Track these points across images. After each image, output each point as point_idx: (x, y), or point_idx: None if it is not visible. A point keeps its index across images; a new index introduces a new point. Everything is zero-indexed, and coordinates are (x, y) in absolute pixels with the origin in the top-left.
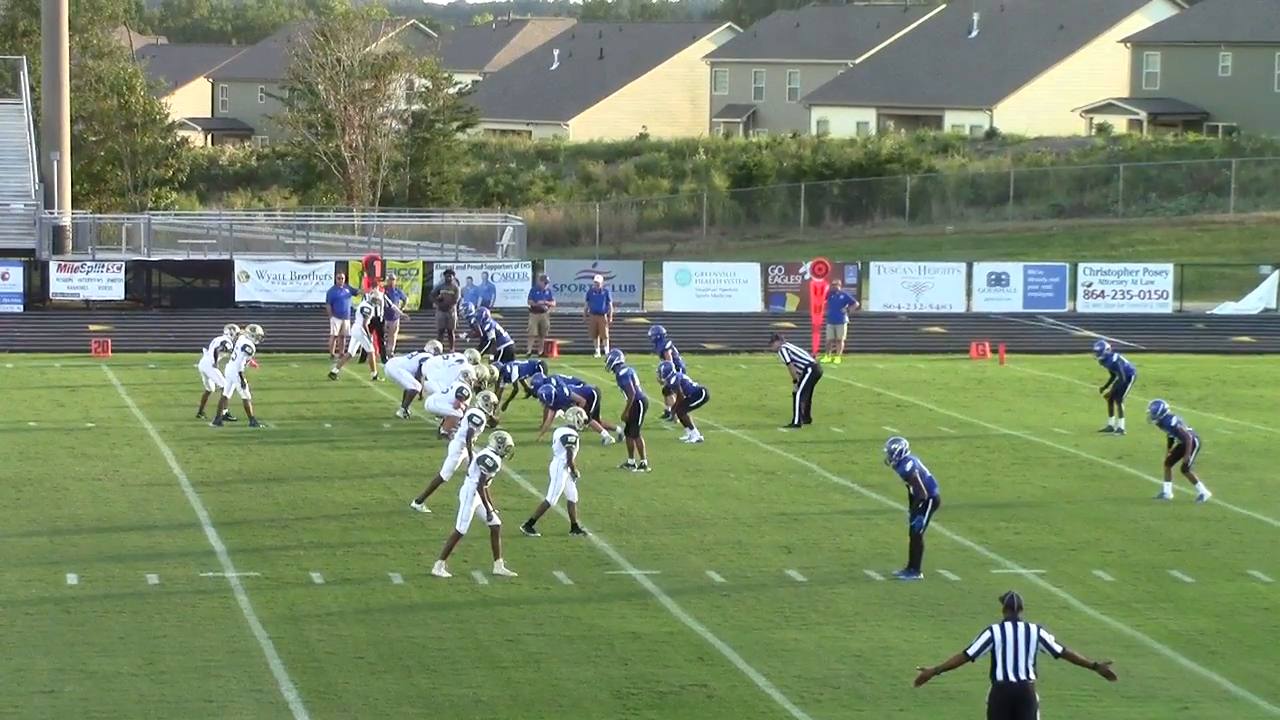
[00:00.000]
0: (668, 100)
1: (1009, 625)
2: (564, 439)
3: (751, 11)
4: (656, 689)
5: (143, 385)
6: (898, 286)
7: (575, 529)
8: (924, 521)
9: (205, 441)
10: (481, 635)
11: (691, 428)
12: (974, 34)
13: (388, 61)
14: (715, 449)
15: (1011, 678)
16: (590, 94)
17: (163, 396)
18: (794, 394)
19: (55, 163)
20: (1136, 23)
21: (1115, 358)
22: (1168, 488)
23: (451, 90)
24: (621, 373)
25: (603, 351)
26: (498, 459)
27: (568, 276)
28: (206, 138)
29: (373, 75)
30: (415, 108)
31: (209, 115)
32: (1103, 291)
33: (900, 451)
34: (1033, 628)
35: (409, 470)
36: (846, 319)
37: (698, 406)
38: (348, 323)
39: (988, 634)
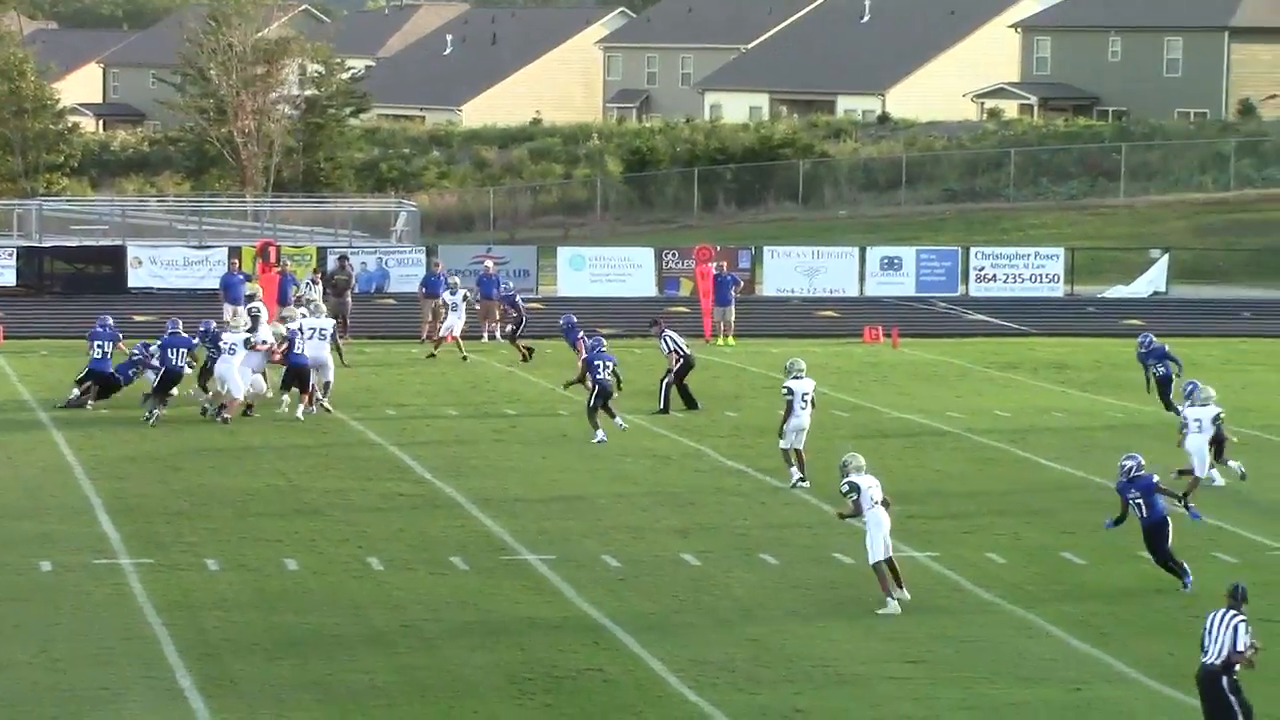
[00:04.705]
0: (561, 85)
1: (1218, 613)
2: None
3: None
4: (552, 674)
5: (35, 373)
6: (791, 271)
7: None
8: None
9: (98, 428)
10: (377, 621)
11: (613, 417)
12: (866, 19)
13: (280, 46)
14: (610, 434)
15: (1206, 661)
16: (483, 79)
17: (55, 383)
18: (662, 380)
19: None
20: (1026, 8)
21: (1163, 349)
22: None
23: (344, 75)
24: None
25: (491, 336)
26: (852, 480)
27: (462, 262)
28: (98, 123)
29: (265, 60)
30: (308, 93)
31: (100, 101)
32: (994, 275)
33: (1132, 469)
34: (1234, 620)
35: (303, 455)
36: (733, 300)
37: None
38: (241, 308)
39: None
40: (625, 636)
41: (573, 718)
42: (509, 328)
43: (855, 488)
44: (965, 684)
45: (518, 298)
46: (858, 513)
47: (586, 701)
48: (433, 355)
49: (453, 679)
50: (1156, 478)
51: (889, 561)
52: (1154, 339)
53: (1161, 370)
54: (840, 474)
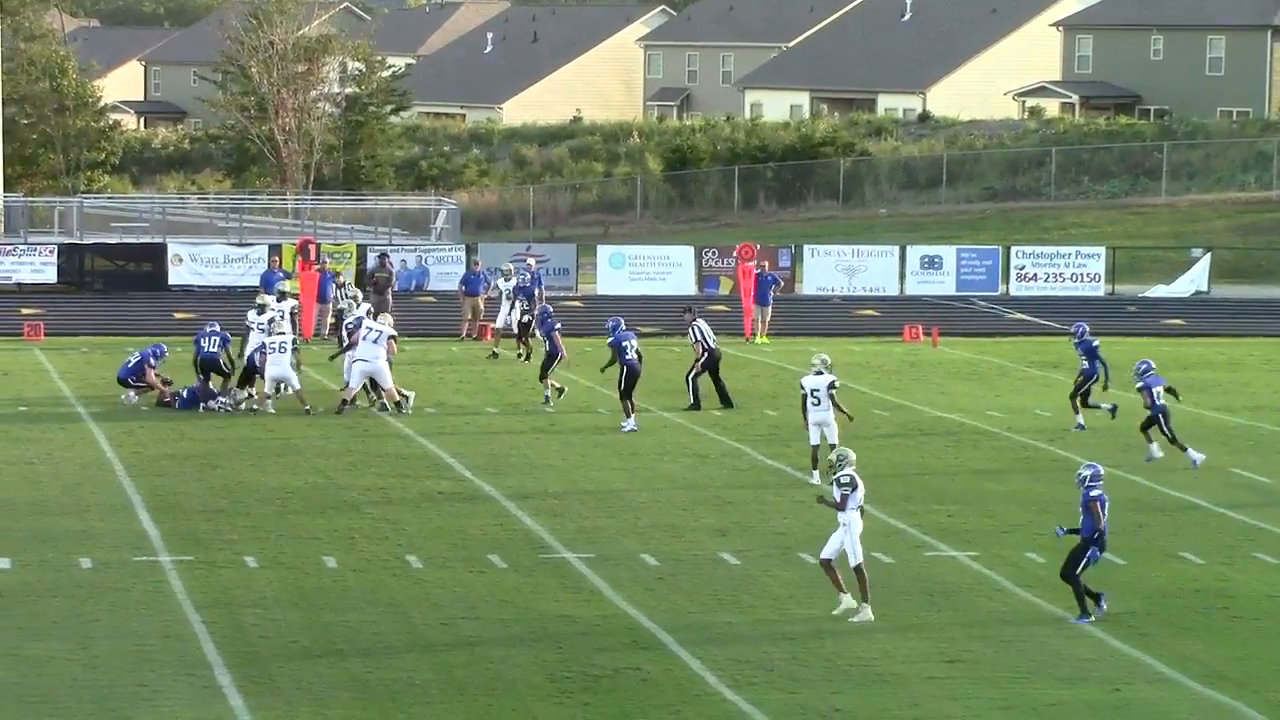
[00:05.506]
0: (601, 83)
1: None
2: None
3: None
4: (590, 672)
5: (75, 369)
6: (831, 269)
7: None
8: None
9: (139, 425)
10: (416, 619)
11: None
12: (907, 17)
13: (321, 44)
14: (649, 432)
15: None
16: (524, 77)
17: (95, 380)
18: (688, 376)
19: None
20: (1068, 6)
21: (1094, 344)
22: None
23: (385, 73)
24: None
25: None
26: (852, 474)
27: (502, 260)
28: (139, 121)
29: (306, 58)
30: (349, 91)
31: (141, 98)
32: (1035, 274)
33: (1087, 478)
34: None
35: (343, 453)
36: (771, 300)
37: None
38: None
39: None
40: (664, 635)
41: (611, 716)
42: (523, 319)
43: (855, 484)
44: (1004, 683)
45: (534, 290)
46: (842, 508)
47: (625, 700)
48: (494, 355)
49: (491, 677)
50: (1095, 492)
51: (858, 570)
52: (1087, 331)
53: (1087, 366)
54: (838, 464)
